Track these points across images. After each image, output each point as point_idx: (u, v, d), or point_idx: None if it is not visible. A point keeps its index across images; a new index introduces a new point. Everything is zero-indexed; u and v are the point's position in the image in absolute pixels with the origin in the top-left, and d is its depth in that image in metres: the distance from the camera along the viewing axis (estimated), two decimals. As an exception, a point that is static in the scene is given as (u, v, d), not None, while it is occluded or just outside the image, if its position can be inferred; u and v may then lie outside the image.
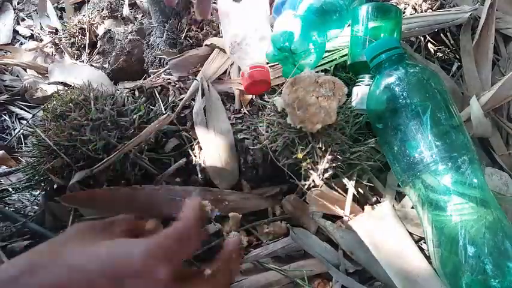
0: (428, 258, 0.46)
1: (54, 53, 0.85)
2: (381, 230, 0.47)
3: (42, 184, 0.52)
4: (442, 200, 0.43)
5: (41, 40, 0.89)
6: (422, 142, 0.45)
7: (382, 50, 0.49)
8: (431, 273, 0.45)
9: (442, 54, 0.65)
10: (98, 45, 0.76)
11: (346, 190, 0.50)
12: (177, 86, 0.62)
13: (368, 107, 0.51)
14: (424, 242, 0.47)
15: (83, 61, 0.78)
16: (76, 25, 0.81)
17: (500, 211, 0.43)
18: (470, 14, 0.63)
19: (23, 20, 0.94)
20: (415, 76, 0.48)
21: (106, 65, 0.73)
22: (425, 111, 0.45)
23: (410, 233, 0.48)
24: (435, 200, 0.44)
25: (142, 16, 0.82)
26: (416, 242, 0.47)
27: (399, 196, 0.52)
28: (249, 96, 0.60)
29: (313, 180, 0.48)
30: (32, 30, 0.92)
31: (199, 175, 0.53)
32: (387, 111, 0.48)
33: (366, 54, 0.52)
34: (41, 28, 0.91)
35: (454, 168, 0.44)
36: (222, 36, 0.67)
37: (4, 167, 0.62)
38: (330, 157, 0.47)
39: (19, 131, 0.68)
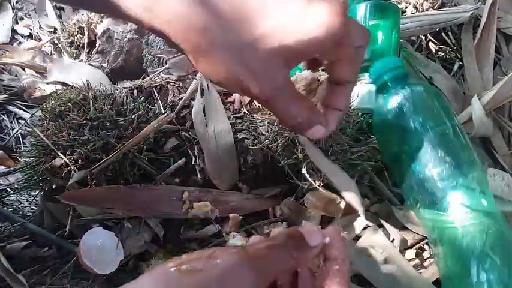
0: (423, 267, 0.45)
1: (52, 52, 0.85)
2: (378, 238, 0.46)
3: (41, 184, 0.52)
4: (450, 216, 0.42)
5: (40, 39, 0.88)
6: (429, 161, 0.45)
7: (386, 70, 0.50)
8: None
9: (443, 54, 0.65)
10: (97, 45, 0.75)
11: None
12: (176, 85, 0.62)
13: (375, 127, 0.51)
14: (427, 243, 0.47)
15: (81, 60, 0.78)
16: (75, 24, 0.80)
17: (506, 224, 0.42)
18: (472, 13, 0.63)
19: (22, 19, 0.93)
20: (420, 95, 0.48)
21: (105, 64, 0.73)
22: (432, 130, 0.45)
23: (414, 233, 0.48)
24: (443, 219, 0.43)
25: (141, 15, 0.82)
26: (418, 243, 0.47)
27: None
28: (249, 96, 0.59)
29: (314, 181, 0.47)
30: (31, 30, 0.91)
31: (199, 175, 0.53)
32: (394, 130, 0.48)
33: (370, 75, 0.52)
34: (40, 27, 0.91)
35: (463, 185, 0.43)
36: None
37: (2, 167, 0.62)
38: (330, 157, 0.47)
39: (17, 131, 0.68)
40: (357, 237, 0.47)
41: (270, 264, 0.25)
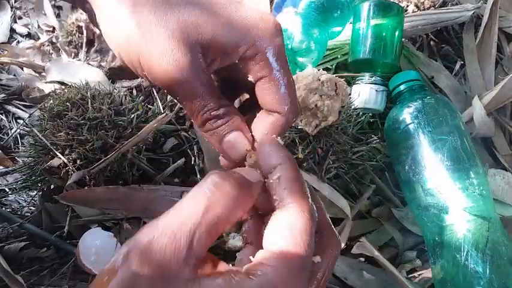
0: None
1: (51, 52, 0.84)
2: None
3: (39, 184, 0.52)
4: (449, 219, 0.42)
5: (38, 38, 0.88)
6: (431, 165, 0.45)
7: (403, 81, 0.52)
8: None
9: (444, 53, 0.64)
10: (96, 44, 0.75)
11: (346, 190, 0.49)
12: (176, 84, 0.61)
13: (387, 136, 0.52)
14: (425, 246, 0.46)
15: (80, 60, 0.78)
16: (73, 23, 0.80)
17: (503, 228, 0.42)
18: (473, 12, 0.62)
19: (20, 18, 0.93)
20: (433, 108, 0.49)
21: (103, 64, 0.72)
22: (438, 138, 0.45)
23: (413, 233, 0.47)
24: (442, 221, 0.43)
25: (140, 14, 0.81)
26: (419, 244, 0.47)
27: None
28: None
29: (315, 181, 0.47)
30: (29, 29, 0.91)
31: (198, 175, 0.53)
32: (402, 136, 0.48)
33: (389, 84, 0.54)
34: (38, 26, 0.90)
35: (463, 189, 0.43)
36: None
37: (1, 167, 0.61)
38: (331, 157, 0.46)
39: (16, 131, 0.67)
40: (349, 246, 0.46)
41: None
